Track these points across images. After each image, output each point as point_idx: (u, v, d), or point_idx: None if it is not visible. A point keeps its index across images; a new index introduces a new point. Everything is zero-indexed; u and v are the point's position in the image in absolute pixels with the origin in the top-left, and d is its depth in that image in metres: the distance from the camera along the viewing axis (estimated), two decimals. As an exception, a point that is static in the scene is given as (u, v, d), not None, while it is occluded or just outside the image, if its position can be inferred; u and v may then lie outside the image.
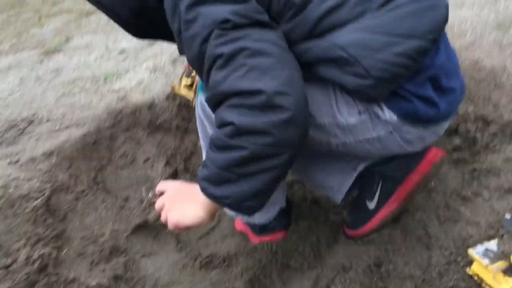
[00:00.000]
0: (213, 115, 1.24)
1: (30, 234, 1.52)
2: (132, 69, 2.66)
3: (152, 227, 1.69)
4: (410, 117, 1.10)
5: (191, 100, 1.95)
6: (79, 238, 1.60)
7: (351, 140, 1.17)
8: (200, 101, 1.27)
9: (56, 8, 5.15)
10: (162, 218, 1.10)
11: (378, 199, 1.38)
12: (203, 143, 1.42)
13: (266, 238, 1.48)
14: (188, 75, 1.96)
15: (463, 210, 1.39)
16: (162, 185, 1.15)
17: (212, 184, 0.98)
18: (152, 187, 1.88)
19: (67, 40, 3.79)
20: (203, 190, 1.00)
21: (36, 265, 1.40)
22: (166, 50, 2.90)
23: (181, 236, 1.69)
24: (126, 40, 3.43)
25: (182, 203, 1.07)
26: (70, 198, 1.73)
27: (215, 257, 1.53)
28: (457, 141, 1.66)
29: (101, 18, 4.40)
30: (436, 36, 1.05)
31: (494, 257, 1.11)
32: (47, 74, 2.92)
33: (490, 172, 1.49)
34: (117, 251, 1.58)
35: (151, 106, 2.12)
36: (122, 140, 2.07)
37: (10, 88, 2.78)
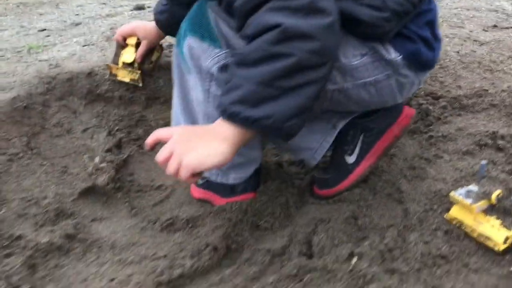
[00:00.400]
0: (202, 62, 1.16)
1: (-41, 192, 1.30)
2: (60, 43, 2.45)
3: (100, 193, 1.53)
4: (413, 58, 1.16)
5: (135, 80, 1.83)
6: (17, 199, 1.39)
7: (348, 86, 1.17)
8: (188, 45, 1.17)
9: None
10: (171, 168, 0.96)
11: (358, 153, 1.38)
12: (177, 101, 1.32)
13: (237, 198, 1.41)
14: (118, 54, 1.83)
15: (428, 170, 1.44)
16: (161, 132, 1.03)
17: (248, 106, 0.89)
18: (94, 156, 1.71)
19: (-30, 20, 3.42)
20: (235, 115, 0.91)
21: (-27, 220, 1.19)
22: (95, 30, 2.73)
23: (134, 202, 1.55)
24: (44, 21, 3.19)
25: (198, 143, 0.96)
26: (2, 159, 1.51)
27: (177, 219, 1.42)
28: (410, 114, 1.73)
29: (9, 2, 4.06)
30: None
31: (476, 197, 1.15)
32: (-47, 46, 2.59)
33: (446, 138, 1.57)
34: (63, 215, 1.40)
35: (90, 74, 1.96)
36: (55, 109, 1.88)
37: None
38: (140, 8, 3.29)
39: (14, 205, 1.37)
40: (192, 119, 1.31)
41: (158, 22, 1.72)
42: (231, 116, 0.92)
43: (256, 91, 0.88)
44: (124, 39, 1.81)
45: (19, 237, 1.22)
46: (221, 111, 0.94)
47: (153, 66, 1.89)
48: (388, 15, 1.05)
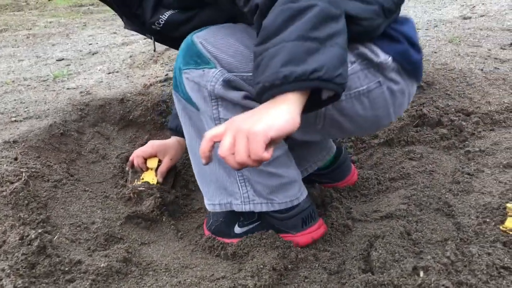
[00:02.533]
0: (204, 89, 1.11)
1: (13, 218, 1.29)
2: (84, 72, 2.48)
3: (145, 217, 1.53)
4: (402, 58, 1.16)
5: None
6: (67, 225, 1.39)
7: (341, 98, 1.08)
8: (186, 79, 1.15)
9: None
10: (241, 149, 0.84)
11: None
12: (196, 144, 1.23)
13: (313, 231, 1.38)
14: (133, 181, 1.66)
15: (473, 183, 1.46)
16: (212, 132, 0.90)
17: (296, 64, 0.85)
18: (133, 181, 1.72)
19: (-17, 51, 3.45)
20: (288, 77, 0.84)
21: (34, 245, 1.18)
22: (115, 58, 2.76)
23: (178, 225, 1.55)
24: (60, 51, 3.23)
25: (259, 115, 0.86)
26: (48, 186, 1.51)
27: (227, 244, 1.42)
28: (443, 130, 1.76)
29: (18, 34, 4.10)
30: None
31: (534, 208, 1.17)
32: (-25, 77, 2.60)
33: (483, 152, 1.60)
34: (113, 239, 1.40)
35: (122, 100, 1.98)
36: (90, 135, 1.89)
37: None
38: (153, 36, 3.34)
39: (65, 230, 1.36)
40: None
41: (177, 131, 1.66)
42: (285, 80, 0.85)
43: (298, 47, 0.86)
44: (144, 162, 1.68)
45: (79, 262, 1.21)
46: (270, 83, 0.86)
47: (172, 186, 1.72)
48: (376, 7, 1.07)
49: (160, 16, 1.23)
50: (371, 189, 1.61)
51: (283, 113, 0.85)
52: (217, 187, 1.27)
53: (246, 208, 1.28)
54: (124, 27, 1.40)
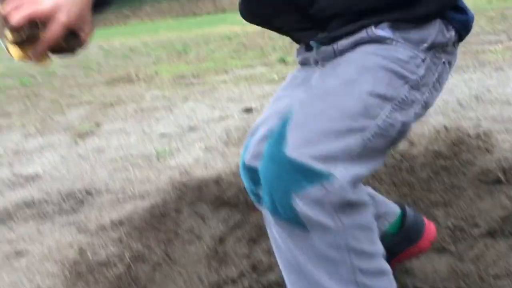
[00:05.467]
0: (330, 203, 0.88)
1: (115, 303, 1.38)
2: (183, 149, 2.65)
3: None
4: (465, 28, 1.09)
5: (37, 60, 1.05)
6: (164, 310, 1.45)
7: (426, 96, 1.05)
8: (302, 201, 0.88)
9: (74, 100, 5.25)
10: None
11: None
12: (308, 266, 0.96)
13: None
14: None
15: None
16: None
17: None
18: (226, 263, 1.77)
19: (97, 125, 3.81)
20: None
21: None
22: (212, 133, 2.92)
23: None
24: (162, 125, 3.46)
25: None
26: (147, 268, 1.60)
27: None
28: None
29: (127, 108, 4.48)
30: None
31: None
32: (89, 153, 2.88)
33: None
34: (205, 327, 1.44)
35: (217, 180, 2.08)
36: (186, 214, 1.99)
37: (52, 165, 2.72)
38: (248, 110, 3.51)
39: (162, 316, 1.42)
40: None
41: None
42: None
43: None
44: None
45: None
46: None
47: None
48: None
49: None
50: (472, 286, 1.51)
51: None
52: None
53: None
54: None
